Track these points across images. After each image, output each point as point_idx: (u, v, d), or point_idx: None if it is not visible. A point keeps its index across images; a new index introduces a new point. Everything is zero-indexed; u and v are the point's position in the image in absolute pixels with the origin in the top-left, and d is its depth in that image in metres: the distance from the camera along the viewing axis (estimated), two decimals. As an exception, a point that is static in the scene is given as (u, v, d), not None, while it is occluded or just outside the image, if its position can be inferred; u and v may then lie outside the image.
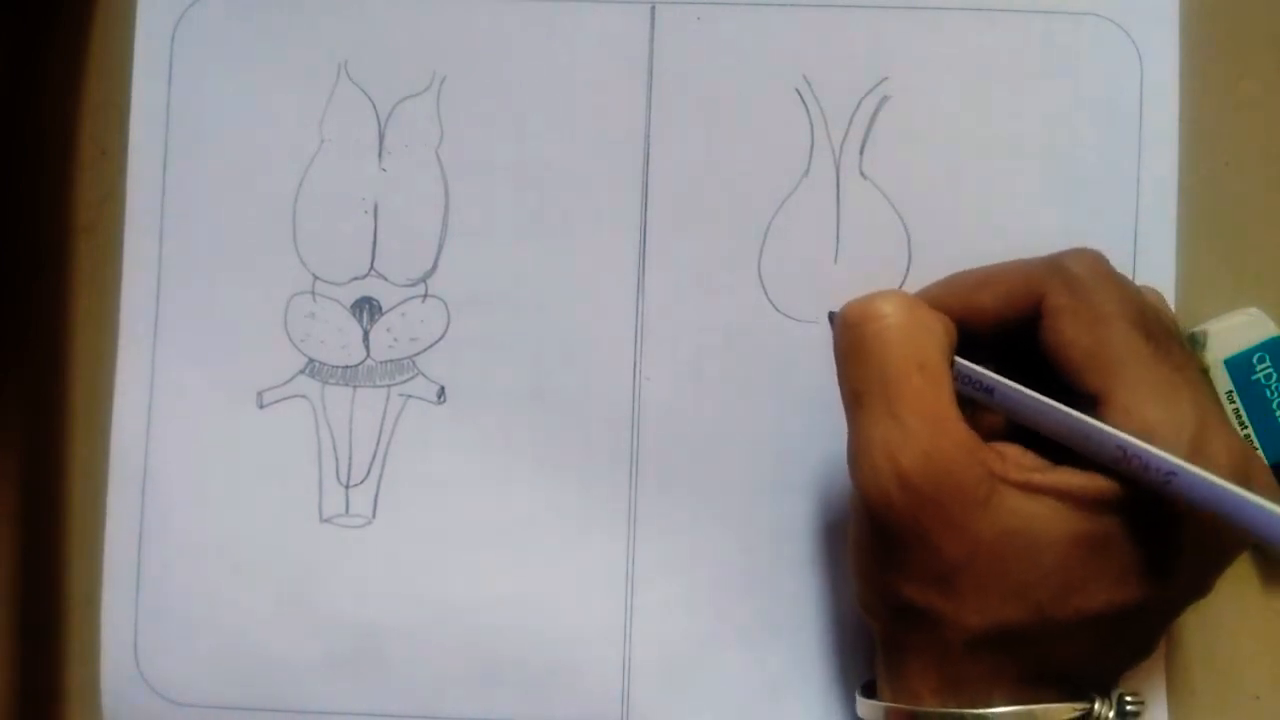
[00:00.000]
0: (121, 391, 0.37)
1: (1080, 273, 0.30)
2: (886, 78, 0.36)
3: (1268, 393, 0.34)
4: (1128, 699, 0.30)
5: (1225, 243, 0.36)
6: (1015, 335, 0.31)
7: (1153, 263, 0.35)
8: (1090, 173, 0.36)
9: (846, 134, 0.36)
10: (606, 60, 0.36)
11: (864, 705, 0.32)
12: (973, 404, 0.30)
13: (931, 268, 0.35)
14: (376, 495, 0.36)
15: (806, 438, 0.36)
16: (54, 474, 0.38)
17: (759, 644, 0.36)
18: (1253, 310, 0.35)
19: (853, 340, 0.29)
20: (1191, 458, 0.27)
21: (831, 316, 0.31)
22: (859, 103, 0.36)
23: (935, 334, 0.29)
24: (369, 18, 0.37)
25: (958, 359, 0.30)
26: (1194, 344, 0.35)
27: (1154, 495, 0.27)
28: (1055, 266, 0.30)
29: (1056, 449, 0.29)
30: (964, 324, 0.31)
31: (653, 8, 0.36)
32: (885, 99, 0.36)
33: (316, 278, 0.37)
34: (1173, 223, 0.35)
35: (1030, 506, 0.28)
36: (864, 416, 0.29)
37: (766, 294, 0.36)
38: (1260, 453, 0.34)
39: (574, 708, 0.36)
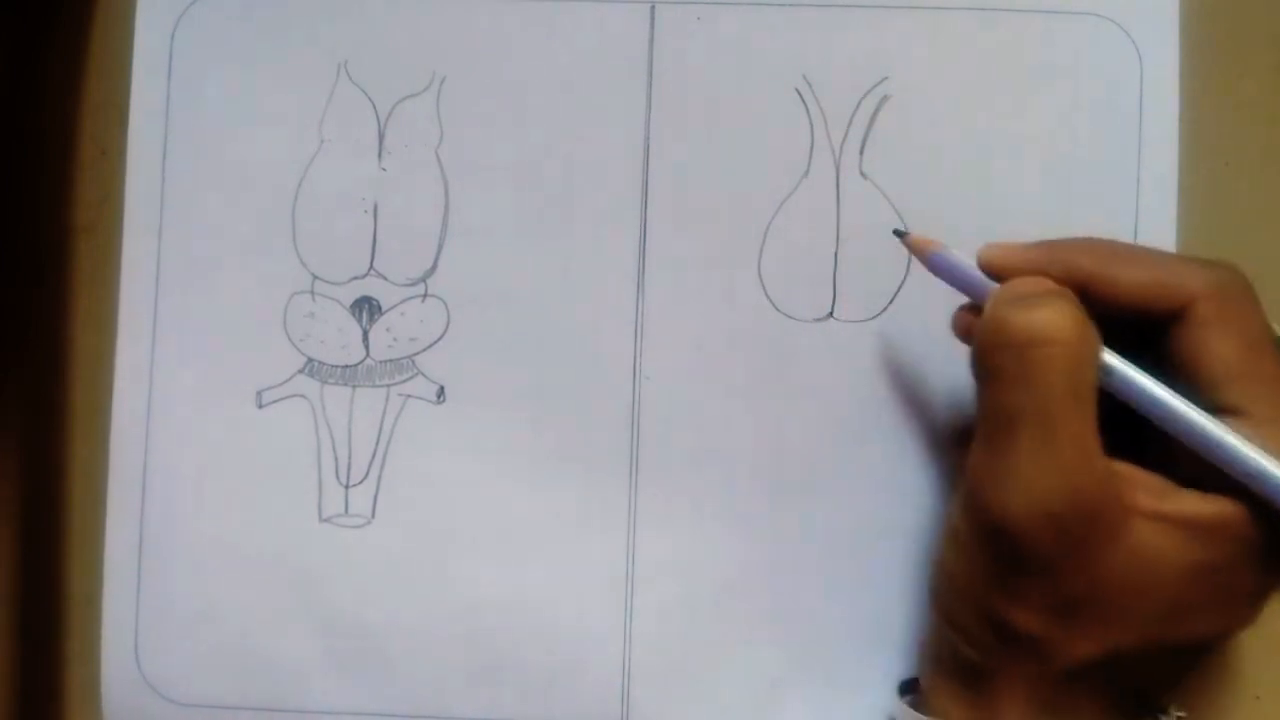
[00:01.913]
0: (120, 391, 0.37)
1: (1233, 285, 0.29)
2: (886, 77, 0.36)
3: (1268, 393, 0.34)
4: (1178, 715, 0.30)
5: (1225, 243, 0.36)
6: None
7: (1153, 263, 0.35)
8: (1090, 173, 0.36)
9: (846, 134, 0.36)
10: (606, 60, 0.36)
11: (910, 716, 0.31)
12: None
13: (931, 267, 0.35)
14: (376, 495, 0.36)
15: (806, 438, 0.36)
16: (54, 474, 0.38)
17: (759, 644, 0.36)
18: (1253, 310, 0.35)
19: (1015, 362, 0.27)
20: None
21: (901, 235, 0.31)
22: (859, 102, 0.36)
23: (1095, 357, 0.28)
24: (369, 18, 0.37)
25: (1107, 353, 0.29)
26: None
27: (1268, 526, 0.27)
28: (1212, 274, 0.29)
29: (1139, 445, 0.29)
30: (1087, 292, 0.29)
31: (652, 7, 0.36)
32: (885, 98, 0.36)
33: (316, 277, 0.37)
34: (1173, 223, 0.35)
35: (1158, 538, 0.27)
36: (1014, 443, 0.27)
37: (766, 294, 0.36)
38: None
39: (574, 708, 0.36)
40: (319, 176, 0.37)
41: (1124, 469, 0.28)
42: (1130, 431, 0.29)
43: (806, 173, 0.36)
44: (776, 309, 0.36)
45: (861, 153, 0.36)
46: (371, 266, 0.37)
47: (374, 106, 0.37)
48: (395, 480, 0.37)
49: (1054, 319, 0.27)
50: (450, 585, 0.36)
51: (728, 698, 0.36)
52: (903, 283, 0.36)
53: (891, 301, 0.36)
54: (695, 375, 0.36)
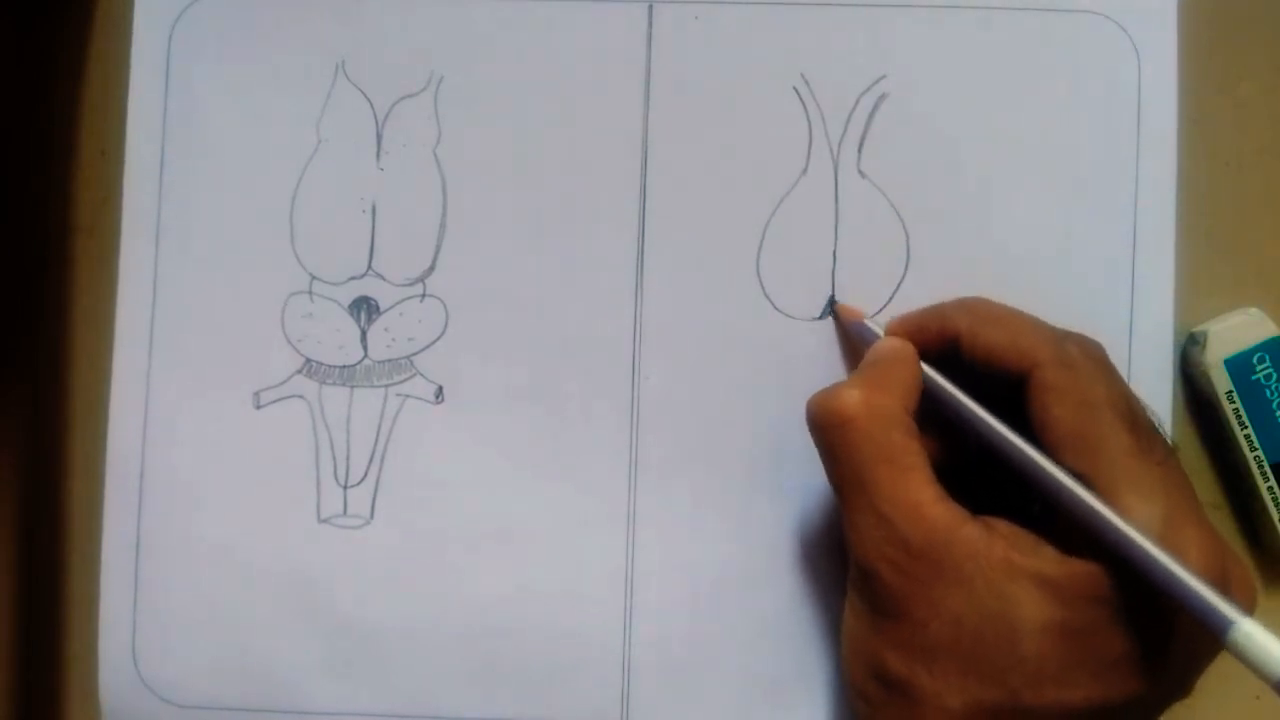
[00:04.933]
0: (118, 392, 0.37)
1: (1076, 355, 0.30)
2: (884, 75, 0.36)
3: (1268, 393, 0.34)
4: None
5: (1225, 243, 0.36)
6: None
7: (1153, 263, 0.35)
8: (1090, 172, 0.36)
9: (845, 132, 0.36)
10: (604, 59, 0.36)
11: None
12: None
13: (929, 265, 0.35)
14: (374, 495, 0.36)
15: (806, 437, 0.35)
16: (53, 475, 0.38)
17: (759, 644, 0.36)
18: (1253, 310, 0.35)
19: (821, 443, 0.32)
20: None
21: (832, 304, 0.33)
22: (857, 100, 0.36)
23: (897, 422, 0.30)
24: (366, 18, 0.37)
25: (967, 405, 0.31)
26: (1194, 344, 0.35)
27: (1135, 590, 0.28)
28: (1058, 345, 0.31)
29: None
30: (960, 347, 0.32)
31: (650, 6, 0.36)
32: (883, 97, 0.36)
33: (314, 277, 0.37)
34: (1173, 223, 0.35)
35: (1010, 589, 0.28)
36: (847, 506, 0.31)
37: (765, 292, 0.36)
38: (1260, 453, 0.34)
39: (574, 708, 0.36)
40: (317, 176, 0.37)
41: (988, 519, 0.30)
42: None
43: (805, 171, 0.36)
44: (775, 307, 0.36)
45: (860, 151, 0.36)
46: (370, 266, 0.37)
47: (372, 106, 0.37)
48: (394, 480, 0.36)
49: (842, 399, 0.31)
50: (449, 585, 0.36)
51: (728, 698, 0.36)
52: (901, 280, 0.36)
53: (890, 299, 0.36)
54: (695, 374, 0.36)
